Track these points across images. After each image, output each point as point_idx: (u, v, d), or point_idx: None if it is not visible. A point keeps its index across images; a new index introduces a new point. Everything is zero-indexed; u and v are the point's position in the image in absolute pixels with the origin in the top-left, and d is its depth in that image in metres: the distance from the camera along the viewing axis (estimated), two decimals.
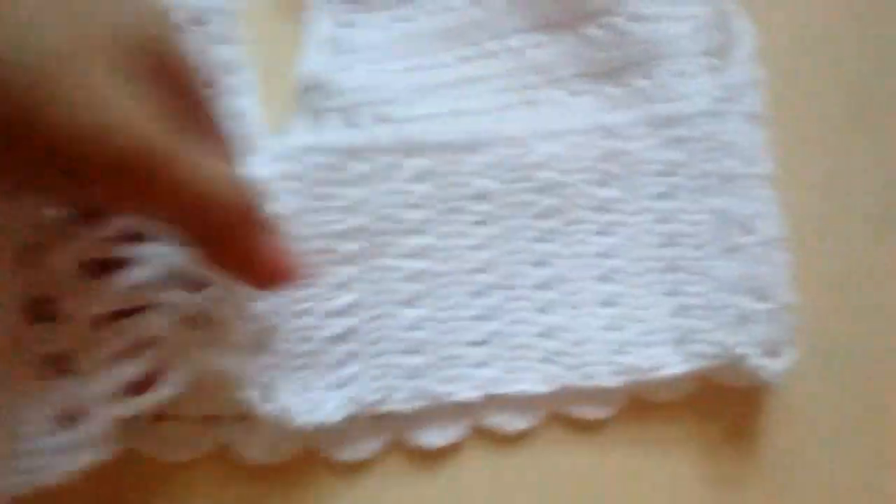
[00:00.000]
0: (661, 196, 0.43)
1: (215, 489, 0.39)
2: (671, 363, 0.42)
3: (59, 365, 0.35)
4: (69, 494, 0.35)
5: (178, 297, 0.37)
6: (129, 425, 0.37)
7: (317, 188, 0.40)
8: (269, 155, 0.40)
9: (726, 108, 0.43)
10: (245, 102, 0.42)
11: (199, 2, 0.43)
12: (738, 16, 0.44)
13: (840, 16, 0.47)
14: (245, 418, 0.39)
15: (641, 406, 0.42)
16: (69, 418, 0.35)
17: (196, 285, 0.37)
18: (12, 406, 0.34)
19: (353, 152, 0.40)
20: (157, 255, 0.36)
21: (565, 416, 0.42)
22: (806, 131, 0.46)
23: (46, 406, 0.34)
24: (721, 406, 0.43)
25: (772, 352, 0.41)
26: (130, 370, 0.35)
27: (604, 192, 0.43)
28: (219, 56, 0.42)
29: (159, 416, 0.39)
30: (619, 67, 0.44)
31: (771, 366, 0.41)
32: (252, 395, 0.38)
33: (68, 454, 0.34)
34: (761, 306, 0.41)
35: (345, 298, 0.40)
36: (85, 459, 0.34)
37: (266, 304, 0.39)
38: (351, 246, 0.40)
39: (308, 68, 0.43)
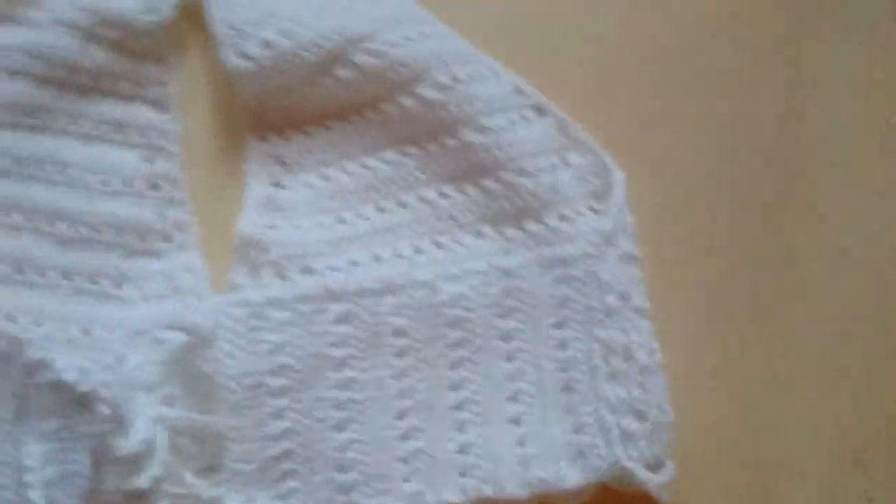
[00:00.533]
0: (556, 325, 0.49)
1: None
2: (571, 476, 0.47)
3: None
4: None
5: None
6: None
7: (245, 336, 0.47)
8: (206, 309, 0.47)
9: (604, 250, 0.49)
10: (190, 258, 0.49)
11: (153, 169, 0.51)
12: (612, 166, 0.51)
13: (705, 168, 0.55)
14: None
15: None
16: None
17: None
18: None
19: (275, 303, 0.47)
20: None
21: None
22: (675, 266, 0.53)
23: None
24: None
25: (654, 466, 0.48)
26: None
27: (506, 324, 0.49)
28: (167, 217, 0.50)
29: None
30: (514, 214, 0.51)
31: (654, 478, 0.47)
32: None
33: None
34: (641, 426, 0.47)
35: (280, 425, 0.47)
36: None
37: (215, 431, 0.45)
38: (280, 381, 0.47)
39: (244, 227, 0.50)
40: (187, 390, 0.47)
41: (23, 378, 0.45)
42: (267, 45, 0.49)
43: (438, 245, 0.51)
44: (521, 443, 0.48)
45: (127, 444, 0.44)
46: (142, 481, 0.44)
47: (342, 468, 0.47)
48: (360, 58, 0.49)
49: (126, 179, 0.51)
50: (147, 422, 0.45)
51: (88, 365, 0.45)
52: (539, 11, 0.56)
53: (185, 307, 0.48)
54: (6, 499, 0.45)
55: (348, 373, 0.47)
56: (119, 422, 0.44)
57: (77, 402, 0.45)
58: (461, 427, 0.48)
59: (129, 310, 0.49)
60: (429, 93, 0.50)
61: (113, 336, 0.48)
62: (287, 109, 0.52)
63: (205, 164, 0.53)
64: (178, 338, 0.46)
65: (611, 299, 0.49)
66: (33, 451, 0.45)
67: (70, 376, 0.44)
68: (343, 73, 0.50)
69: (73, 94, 0.51)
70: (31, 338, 0.46)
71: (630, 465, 0.47)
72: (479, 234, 0.51)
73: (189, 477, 0.46)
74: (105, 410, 0.44)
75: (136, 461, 0.45)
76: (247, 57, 0.49)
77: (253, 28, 0.50)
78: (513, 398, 0.49)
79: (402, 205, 0.52)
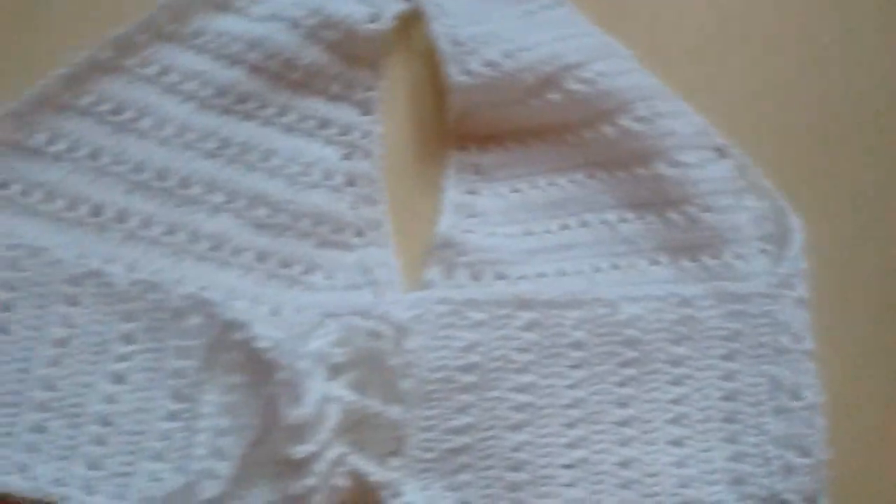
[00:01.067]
0: (724, 357, 0.51)
1: None
2: (727, 500, 0.50)
3: None
4: None
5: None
6: None
7: (441, 331, 0.49)
8: (406, 302, 0.49)
9: (780, 292, 0.52)
10: (384, 254, 0.52)
11: (352, 166, 0.54)
12: (790, 211, 0.54)
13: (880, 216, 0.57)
14: None
15: None
16: None
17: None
18: None
19: (473, 304, 0.49)
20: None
21: None
22: (841, 314, 0.55)
23: None
24: None
25: (810, 499, 0.50)
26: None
27: (677, 349, 0.51)
28: (363, 214, 0.53)
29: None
30: (692, 246, 0.53)
31: None
32: (384, 492, 0.47)
33: None
34: (803, 461, 0.50)
35: (463, 420, 0.49)
36: None
37: (391, 419, 0.48)
38: (468, 378, 0.49)
39: (442, 229, 0.53)
40: (369, 377, 0.49)
41: (218, 333, 0.48)
42: (490, 63, 0.53)
43: (615, 266, 0.53)
44: (680, 464, 0.50)
45: (295, 413, 0.46)
46: (299, 451, 0.47)
47: (513, 467, 0.49)
48: (572, 84, 0.52)
49: (326, 173, 0.54)
50: (319, 397, 0.47)
51: (280, 336, 0.48)
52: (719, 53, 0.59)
53: (381, 298, 0.51)
54: (175, 437, 0.48)
55: (529, 378, 0.49)
56: (294, 392, 0.47)
57: (262, 365, 0.47)
58: (625, 442, 0.50)
59: (321, 296, 0.52)
60: (629, 123, 0.53)
61: (303, 317, 0.50)
62: (490, 123, 0.55)
63: (401, 166, 0.56)
64: (370, 325, 0.49)
65: (784, 339, 0.51)
66: (210, 400, 0.48)
67: (262, 342, 0.47)
68: (553, 96, 0.53)
69: (285, 88, 0.54)
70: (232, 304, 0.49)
71: (788, 496, 0.49)
72: (655, 261, 0.54)
73: (362, 459, 0.48)
74: (284, 377, 0.46)
75: (300, 431, 0.47)
76: (469, 73, 0.53)
77: (477, 45, 0.53)
78: (676, 421, 0.51)
79: (585, 224, 0.54)
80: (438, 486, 0.48)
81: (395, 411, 0.48)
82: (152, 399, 0.48)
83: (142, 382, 0.48)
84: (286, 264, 0.52)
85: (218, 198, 0.52)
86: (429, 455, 0.48)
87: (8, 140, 0.51)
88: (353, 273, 0.52)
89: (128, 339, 0.49)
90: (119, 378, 0.48)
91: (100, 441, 0.46)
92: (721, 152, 0.55)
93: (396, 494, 0.47)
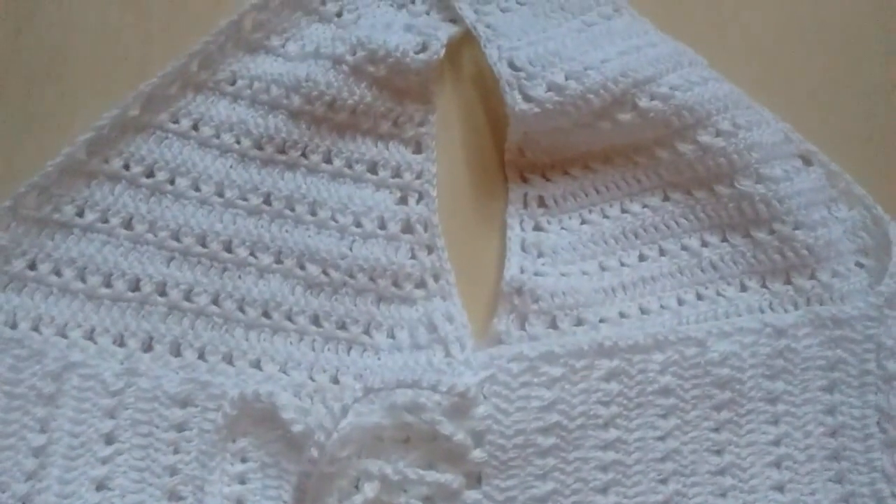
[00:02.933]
0: (826, 389, 0.48)
1: None
2: None
3: None
4: None
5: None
6: None
7: (516, 392, 0.45)
8: (475, 363, 0.46)
9: (884, 313, 0.48)
10: (450, 306, 0.48)
11: (407, 211, 0.50)
12: (887, 221, 0.49)
13: None
14: None
15: None
16: None
17: None
18: None
19: (549, 358, 0.46)
20: None
21: None
22: None
23: None
24: None
25: None
26: None
27: (774, 385, 0.48)
28: (423, 262, 0.49)
29: None
30: (784, 268, 0.50)
31: None
32: None
33: None
34: None
35: (546, 487, 0.46)
36: None
37: (475, 493, 0.45)
38: (549, 440, 0.45)
39: (511, 273, 0.49)
40: (432, 452, 0.46)
41: (232, 415, 0.46)
42: (555, 88, 0.48)
43: (700, 297, 0.50)
44: None
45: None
46: None
47: None
48: (645, 102, 0.48)
49: (380, 221, 0.50)
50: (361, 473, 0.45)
51: (309, 407, 0.46)
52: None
53: (451, 359, 0.47)
54: None
55: (614, 433, 0.46)
56: (328, 474, 0.45)
57: (285, 444, 0.46)
58: (724, 493, 0.47)
59: (385, 359, 0.49)
60: (709, 139, 0.49)
61: (343, 392, 0.47)
62: (553, 151, 0.51)
63: (459, 205, 0.52)
64: (423, 397, 0.46)
65: (892, 365, 0.47)
66: (218, 492, 0.46)
67: (287, 414, 0.45)
68: (624, 116, 0.49)
69: (330, 131, 0.51)
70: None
71: None
72: (743, 288, 0.50)
73: None
74: (314, 453, 0.43)
75: None
76: (531, 99, 0.48)
77: (537, 69, 0.49)
78: (777, 464, 0.47)
79: (663, 252, 0.51)
80: None
81: (454, 482, 0.45)
82: (143, 503, 0.45)
83: (129, 485, 0.45)
84: (344, 325, 0.49)
85: (265, 259, 0.49)
86: None
87: (33, 216, 0.48)
88: (418, 330, 0.48)
89: (110, 438, 0.45)
90: (103, 483, 0.45)
91: None
92: (807, 160, 0.50)
93: None
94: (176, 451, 0.45)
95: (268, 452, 0.45)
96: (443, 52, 0.50)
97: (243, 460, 0.45)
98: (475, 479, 0.45)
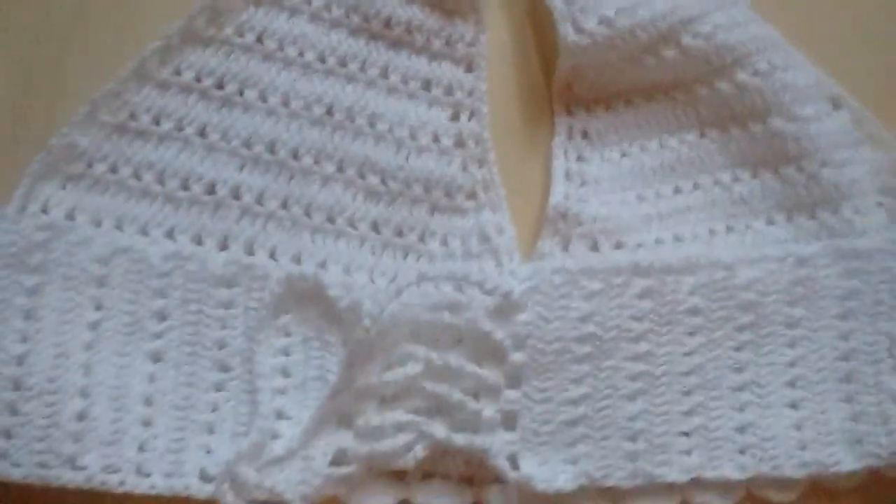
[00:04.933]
0: (841, 317, 0.51)
1: None
2: (846, 461, 0.50)
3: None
4: None
5: (440, 388, 0.48)
6: (400, 478, 0.49)
7: (557, 301, 0.49)
8: (521, 274, 0.50)
9: None
10: (500, 218, 0.52)
11: (459, 126, 0.54)
12: None
13: None
14: (497, 481, 0.49)
15: (820, 492, 0.51)
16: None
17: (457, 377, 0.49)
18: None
19: (589, 273, 0.50)
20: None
21: (757, 498, 0.51)
22: None
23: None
24: (887, 496, 0.51)
25: None
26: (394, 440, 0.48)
27: (793, 311, 0.51)
28: (474, 176, 0.53)
29: (428, 474, 0.50)
30: (809, 203, 0.53)
31: None
32: (501, 464, 0.49)
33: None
34: None
35: (579, 390, 0.50)
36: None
37: (514, 392, 0.49)
38: (584, 349, 0.50)
39: (557, 199, 0.53)
40: (476, 349, 0.50)
41: (279, 293, 0.50)
42: (606, 21, 0.52)
43: (731, 229, 0.54)
44: (798, 426, 0.51)
45: (379, 378, 0.49)
46: (384, 419, 0.49)
47: (631, 437, 0.50)
48: (688, 39, 0.52)
49: (433, 135, 0.54)
50: (405, 355, 0.49)
51: (353, 284, 0.50)
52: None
53: (500, 268, 0.52)
54: (223, 408, 0.50)
55: (644, 346, 0.50)
56: (374, 352, 0.49)
57: (330, 321, 0.50)
58: (742, 407, 0.51)
59: (439, 266, 0.53)
60: (747, 78, 0.53)
61: (398, 279, 0.51)
62: (598, 85, 0.55)
63: (506, 127, 0.56)
64: (471, 296, 0.50)
65: None
66: (266, 362, 0.49)
67: (334, 292, 0.49)
68: (668, 53, 0.52)
69: (386, 47, 0.55)
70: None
71: None
72: (771, 221, 0.54)
73: (449, 430, 0.49)
74: (366, 323, 0.48)
75: (375, 393, 0.49)
76: (583, 31, 0.52)
77: (590, 3, 0.52)
78: (792, 384, 0.51)
79: (698, 186, 0.55)
80: (557, 459, 0.49)
81: (493, 378, 0.49)
82: (195, 373, 0.49)
83: (182, 358, 0.49)
84: (401, 232, 0.53)
85: (328, 168, 0.53)
86: (546, 428, 0.49)
87: (111, 122, 0.52)
88: (470, 239, 0.53)
89: (162, 315, 0.49)
90: (158, 356, 0.48)
91: (146, 422, 0.47)
92: (836, 103, 0.54)
93: (514, 467, 0.48)
94: (224, 327, 0.50)
95: (310, 327, 0.49)
96: None
97: (287, 334, 0.49)
98: (515, 380, 0.49)
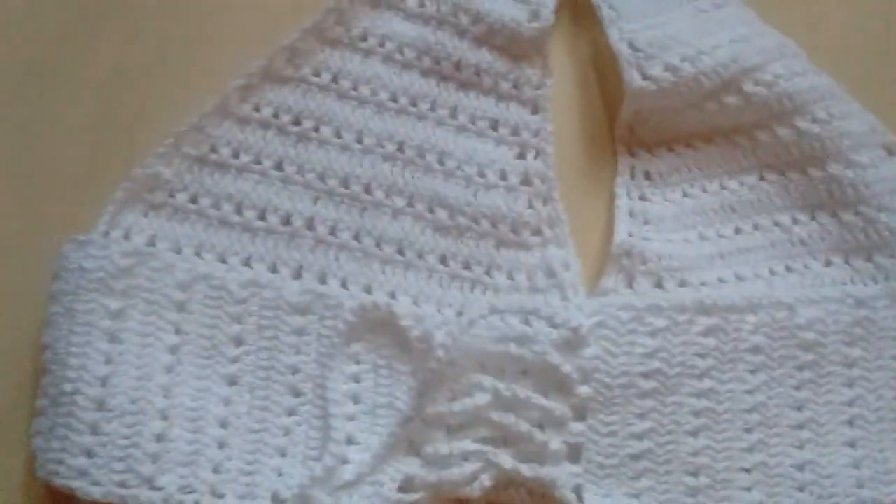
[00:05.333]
0: None
1: None
2: None
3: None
4: None
5: (507, 418, 0.50)
6: None
7: (624, 337, 0.51)
8: (588, 309, 0.51)
9: None
10: (565, 254, 0.54)
11: (525, 165, 0.56)
12: None
13: None
14: None
15: None
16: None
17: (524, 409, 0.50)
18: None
19: (655, 310, 0.51)
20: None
21: None
22: None
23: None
24: None
25: None
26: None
27: (852, 351, 0.53)
28: (540, 212, 0.55)
29: (493, 502, 0.51)
30: (866, 247, 0.55)
31: None
32: (567, 496, 0.50)
33: None
34: None
35: (644, 425, 0.51)
36: None
37: (580, 424, 0.50)
38: (649, 384, 0.51)
39: (621, 237, 0.54)
40: (542, 381, 0.51)
41: (352, 320, 0.52)
42: (671, 68, 0.54)
43: (790, 269, 0.55)
44: (856, 465, 0.52)
45: (448, 407, 0.50)
46: (464, 444, 0.50)
47: (693, 472, 0.51)
48: (750, 87, 0.54)
49: (501, 173, 0.56)
50: (473, 385, 0.50)
51: (425, 314, 0.52)
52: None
53: (566, 302, 0.53)
54: (295, 432, 0.51)
55: (708, 383, 0.51)
56: (443, 381, 0.50)
57: (400, 349, 0.51)
58: (801, 445, 0.52)
59: (506, 298, 0.54)
60: (806, 125, 0.54)
61: (469, 310, 0.52)
62: (660, 128, 0.57)
63: (571, 167, 0.58)
64: (540, 328, 0.51)
65: None
66: (338, 388, 0.51)
67: (405, 321, 0.51)
68: (730, 99, 0.54)
69: (456, 89, 0.57)
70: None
71: None
72: (829, 263, 0.55)
73: (515, 461, 0.50)
74: (439, 353, 0.49)
75: (443, 422, 0.51)
76: (649, 78, 0.54)
77: (656, 50, 0.54)
78: (850, 423, 0.52)
79: (758, 227, 0.56)
80: (620, 493, 0.50)
81: (560, 410, 0.50)
82: (269, 397, 0.51)
83: (257, 382, 0.51)
84: (468, 266, 0.54)
85: (399, 202, 0.54)
86: (610, 461, 0.50)
87: (193, 154, 0.54)
88: (536, 274, 0.54)
89: (238, 340, 0.51)
90: (234, 380, 0.50)
91: (222, 444, 0.49)
92: (891, 150, 0.56)
93: (579, 499, 0.50)
94: (297, 353, 0.51)
95: (380, 355, 0.51)
96: (552, 18, 0.56)
97: (357, 362, 0.51)
98: (581, 413, 0.50)
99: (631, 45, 0.55)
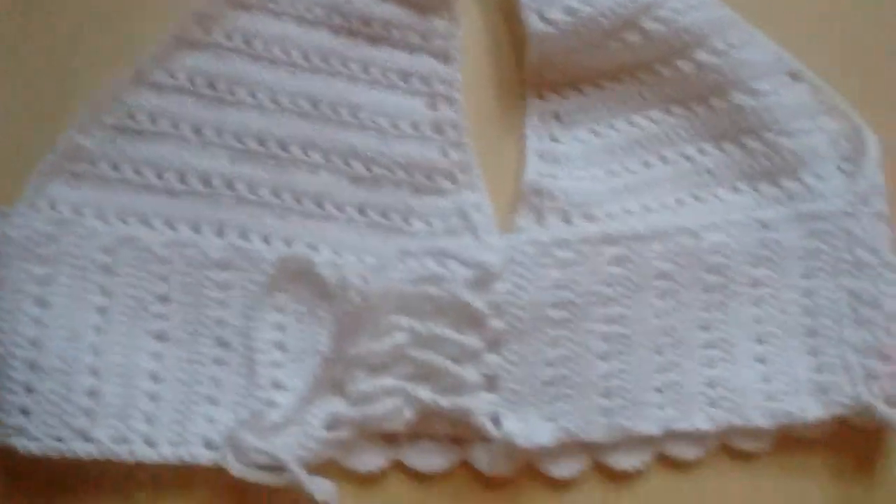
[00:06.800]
0: (804, 276, 0.55)
1: (459, 496, 0.54)
2: (813, 409, 0.54)
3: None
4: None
5: (425, 355, 0.52)
6: (391, 440, 0.53)
7: (532, 271, 0.53)
8: (497, 247, 0.54)
9: (858, 209, 0.55)
10: (478, 197, 0.56)
11: (437, 114, 0.58)
12: (866, 129, 0.56)
13: None
14: (482, 440, 0.53)
15: (789, 441, 0.54)
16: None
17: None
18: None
19: (561, 243, 0.54)
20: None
21: (728, 447, 0.54)
22: None
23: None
24: (854, 442, 0.55)
25: (894, 403, 0.53)
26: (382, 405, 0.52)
27: (757, 272, 0.55)
28: (452, 159, 0.57)
29: (417, 435, 0.54)
30: (771, 171, 0.57)
31: (893, 414, 0.53)
32: (484, 423, 0.52)
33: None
34: (886, 366, 0.53)
35: (556, 352, 0.53)
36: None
37: (495, 356, 0.53)
38: (560, 313, 0.53)
39: (531, 176, 0.57)
40: (456, 318, 0.54)
41: (273, 272, 0.54)
42: (569, 10, 0.56)
43: (697, 198, 0.57)
44: (765, 379, 0.54)
45: (368, 346, 0.53)
46: (371, 385, 0.53)
47: (606, 394, 0.53)
48: (649, 24, 0.56)
49: (413, 123, 0.58)
50: (391, 325, 0.53)
51: (343, 263, 0.54)
52: None
53: (478, 242, 0.55)
54: (224, 381, 0.53)
55: (617, 309, 0.54)
56: (363, 323, 0.52)
57: (322, 296, 0.54)
58: (711, 363, 0.54)
59: (422, 242, 0.56)
60: (705, 57, 0.56)
61: (382, 255, 0.55)
62: (566, 69, 0.59)
63: (482, 114, 0.59)
64: (451, 268, 0.54)
65: (862, 253, 0.55)
66: (263, 337, 0.53)
67: (325, 270, 0.53)
68: (631, 37, 0.56)
69: (365, 44, 0.59)
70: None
71: (873, 401, 0.53)
72: (736, 190, 0.57)
73: (435, 394, 0.53)
74: (353, 307, 0.52)
75: (366, 362, 0.53)
76: (548, 21, 0.56)
77: None
78: (759, 340, 0.55)
79: (665, 160, 0.58)
80: (537, 417, 0.53)
81: (474, 344, 0.53)
82: (197, 349, 0.52)
83: (185, 336, 0.52)
84: (385, 214, 0.57)
85: (315, 156, 0.56)
86: (525, 388, 0.53)
87: (112, 123, 0.56)
88: (451, 218, 0.56)
89: (164, 298, 0.52)
90: (162, 335, 0.51)
91: (153, 396, 0.50)
92: (795, 77, 0.58)
93: (497, 426, 0.52)
94: (223, 306, 0.53)
95: (302, 304, 0.53)
96: None
97: (281, 311, 0.53)
98: (495, 345, 0.53)
99: None
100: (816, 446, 0.54)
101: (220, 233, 0.55)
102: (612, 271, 0.54)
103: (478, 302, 0.52)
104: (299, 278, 0.53)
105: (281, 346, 0.53)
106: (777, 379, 0.54)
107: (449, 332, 0.52)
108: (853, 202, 0.55)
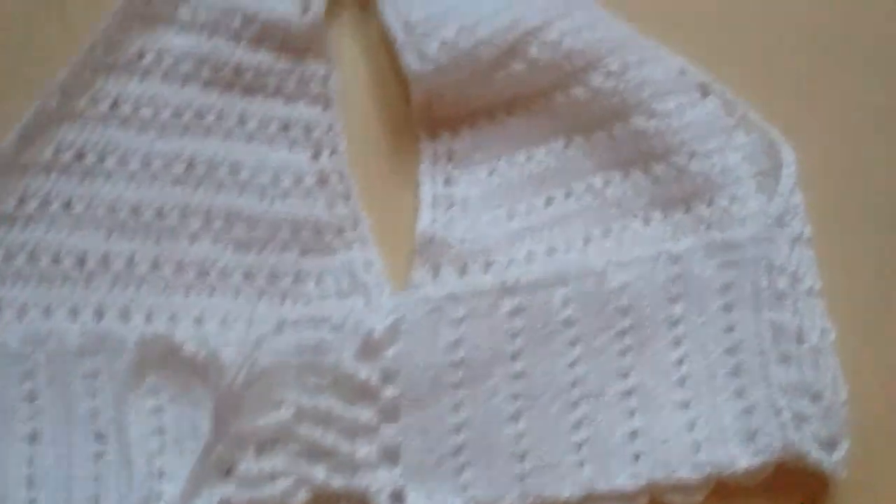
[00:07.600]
0: (723, 309, 0.51)
1: None
2: (742, 457, 0.50)
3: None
4: None
5: (313, 431, 0.49)
6: None
7: (425, 330, 0.50)
8: (385, 308, 0.50)
9: (774, 233, 0.51)
10: (368, 254, 0.53)
11: (320, 165, 0.54)
12: (782, 143, 0.52)
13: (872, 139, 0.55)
14: None
15: (724, 491, 0.50)
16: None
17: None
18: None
19: (453, 299, 0.50)
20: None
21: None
22: (847, 243, 0.54)
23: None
24: (794, 487, 0.51)
25: (829, 445, 0.49)
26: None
27: (673, 309, 0.51)
28: (340, 213, 0.53)
29: None
30: (683, 198, 0.53)
31: (829, 458, 0.49)
32: (383, 502, 0.49)
33: None
34: (815, 407, 0.49)
35: (459, 417, 0.50)
36: None
37: (392, 426, 0.49)
38: (458, 374, 0.50)
39: (424, 226, 0.53)
40: (342, 389, 0.50)
41: (135, 357, 0.50)
42: (446, 44, 0.52)
43: (608, 232, 0.53)
44: (690, 427, 0.50)
45: (254, 422, 0.49)
46: (275, 460, 0.49)
47: (518, 457, 0.50)
48: (535, 51, 0.52)
49: (295, 177, 0.54)
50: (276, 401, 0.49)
51: (208, 336, 0.50)
52: None
53: (367, 304, 0.52)
54: (105, 476, 0.49)
55: (521, 364, 0.50)
56: (242, 399, 0.49)
57: (194, 376, 0.50)
58: (631, 414, 0.50)
59: (312, 308, 0.53)
60: (600, 81, 0.52)
61: (257, 328, 0.51)
62: (457, 105, 0.55)
63: (371, 160, 0.56)
64: (329, 337, 0.50)
65: (781, 282, 0.51)
66: (136, 426, 0.50)
67: (188, 347, 0.50)
68: (517, 66, 0.52)
69: (239, 96, 0.55)
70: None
71: (803, 445, 0.49)
72: (647, 221, 0.54)
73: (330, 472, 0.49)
74: (230, 376, 0.48)
75: (251, 440, 0.49)
76: (426, 58, 0.52)
77: (431, 27, 0.52)
78: (681, 383, 0.51)
79: (569, 195, 0.54)
80: (445, 490, 0.49)
81: (366, 416, 0.50)
82: (72, 446, 0.48)
83: (58, 435, 0.48)
84: (274, 278, 0.53)
85: (195, 223, 0.53)
86: (429, 458, 0.49)
87: None
88: (342, 277, 0.53)
89: (31, 396, 0.48)
90: (35, 437, 0.48)
91: (31, 503, 0.46)
92: (704, 90, 0.54)
93: (399, 501, 0.49)
94: (93, 397, 0.50)
95: (176, 384, 0.50)
96: (324, 8, 0.54)
97: (155, 394, 0.50)
98: (393, 415, 0.49)
99: (407, 25, 0.53)
100: (755, 492, 0.51)
101: (100, 316, 0.52)
102: (511, 324, 0.50)
103: (364, 371, 0.48)
104: (168, 358, 0.50)
105: (161, 431, 0.50)
106: (703, 426, 0.50)
107: (336, 406, 0.49)
108: (769, 226, 0.51)
